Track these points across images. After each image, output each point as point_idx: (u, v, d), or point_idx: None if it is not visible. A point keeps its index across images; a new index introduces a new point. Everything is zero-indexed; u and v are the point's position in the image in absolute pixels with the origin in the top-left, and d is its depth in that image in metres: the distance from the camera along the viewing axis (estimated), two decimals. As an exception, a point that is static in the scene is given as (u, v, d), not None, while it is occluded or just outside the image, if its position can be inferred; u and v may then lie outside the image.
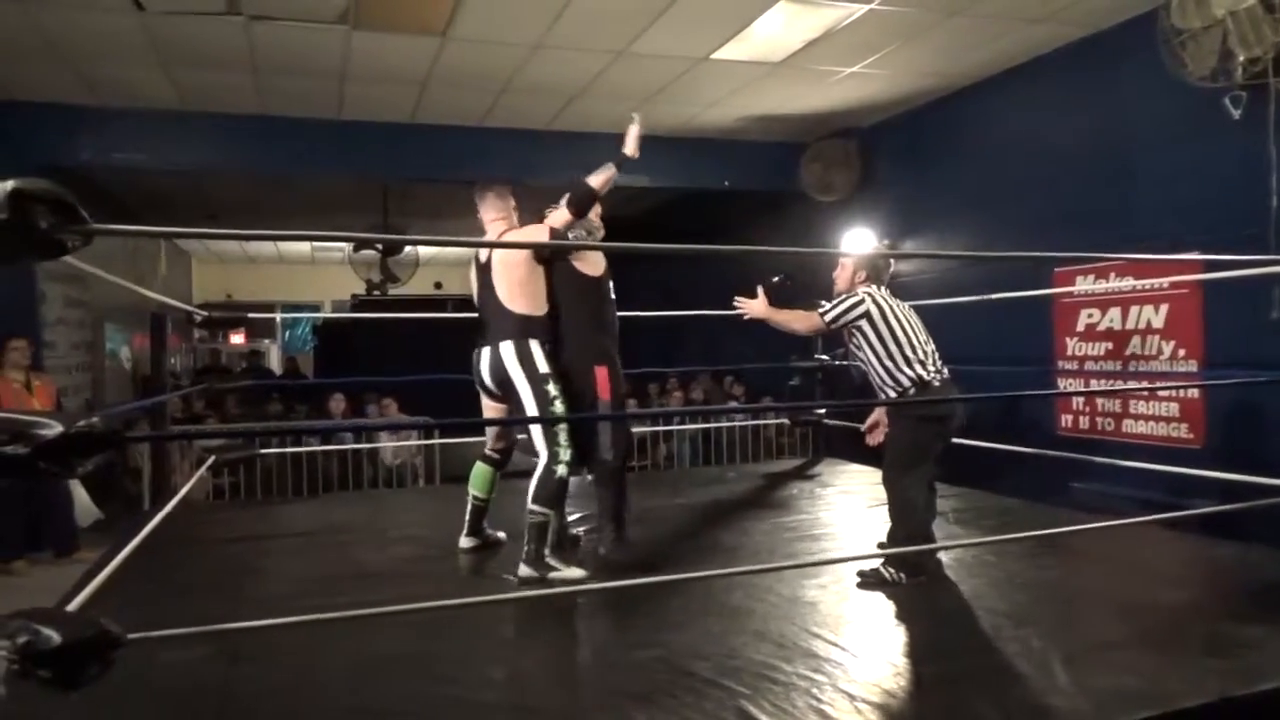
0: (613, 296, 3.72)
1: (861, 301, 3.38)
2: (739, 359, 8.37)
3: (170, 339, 11.96)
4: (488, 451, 3.87)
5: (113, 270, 4.07)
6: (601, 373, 3.52)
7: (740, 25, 5.35)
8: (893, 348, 3.37)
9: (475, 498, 3.83)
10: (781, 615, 2.88)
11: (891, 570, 3.20)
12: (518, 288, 3.51)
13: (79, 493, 6.22)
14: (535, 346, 3.46)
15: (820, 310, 3.47)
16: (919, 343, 3.41)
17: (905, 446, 3.37)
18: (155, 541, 3.52)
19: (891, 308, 3.43)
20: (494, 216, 3.73)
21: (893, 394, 3.40)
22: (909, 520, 3.30)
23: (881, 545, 3.49)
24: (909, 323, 3.44)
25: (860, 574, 3.26)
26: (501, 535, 3.88)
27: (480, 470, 3.83)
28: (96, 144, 6.72)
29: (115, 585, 2.77)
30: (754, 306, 3.68)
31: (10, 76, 5.98)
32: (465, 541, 3.85)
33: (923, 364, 3.37)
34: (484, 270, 3.64)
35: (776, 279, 6.11)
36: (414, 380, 7.30)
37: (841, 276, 3.59)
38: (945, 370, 3.43)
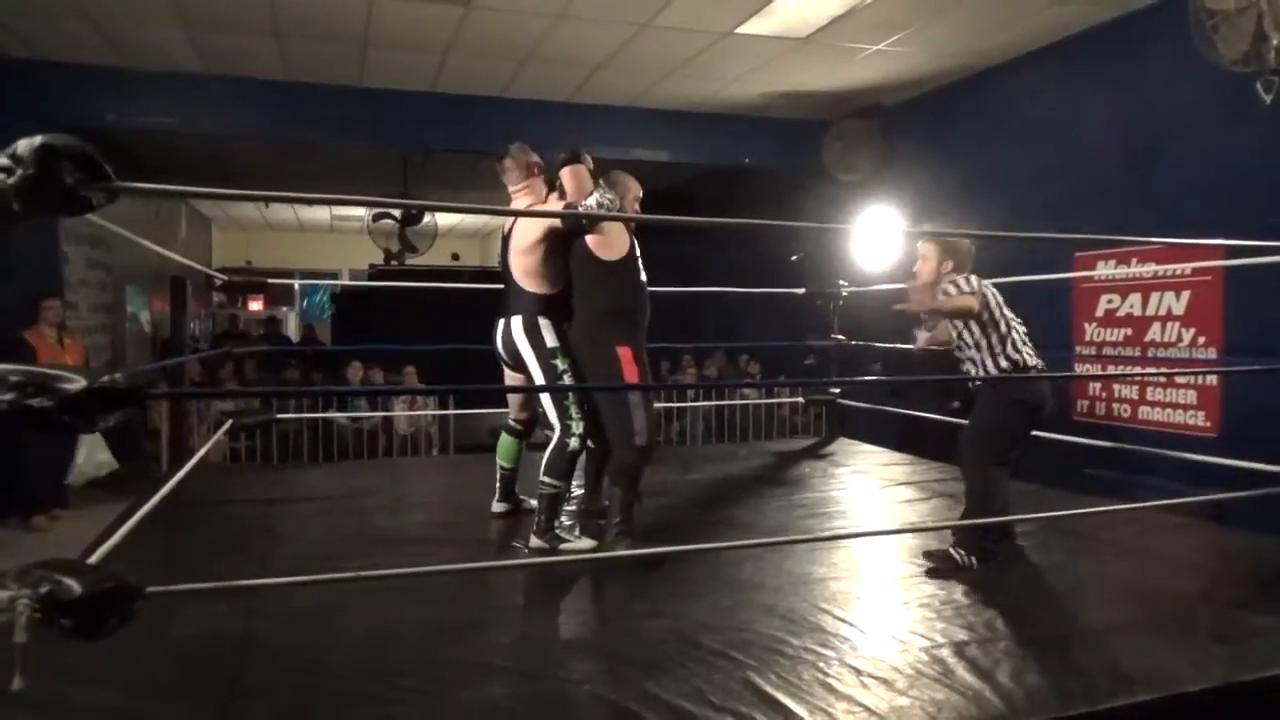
0: (642, 278, 3.50)
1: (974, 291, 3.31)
2: (755, 337, 8.36)
3: (190, 303, 12.08)
4: (511, 422, 3.91)
5: (134, 233, 4.10)
6: (625, 353, 3.34)
7: (765, 0, 5.30)
8: (1004, 331, 3.31)
9: (502, 467, 3.92)
10: (791, 591, 2.90)
11: (962, 553, 3.13)
12: (531, 265, 3.48)
13: (89, 449, 6.27)
14: (545, 323, 3.44)
15: (962, 292, 3.29)
16: (1021, 328, 3.37)
17: (993, 429, 3.27)
18: (173, 501, 3.56)
19: (995, 293, 3.38)
20: (517, 186, 3.65)
21: (983, 374, 3.31)
22: (991, 505, 3.16)
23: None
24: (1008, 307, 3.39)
25: (928, 555, 3.20)
26: (533, 503, 3.87)
27: (505, 441, 3.91)
28: (119, 105, 6.73)
29: (134, 542, 2.81)
30: (915, 304, 3.50)
31: (36, 35, 5.99)
32: (497, 506, 3.93)
33: (1029, 349, 3.33)
34: (505, 241, 3.62)
35: (795, 257, 6.13)
36: (430, 350, 7.33)
37: (925, 268, 3.47)
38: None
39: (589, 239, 3.40)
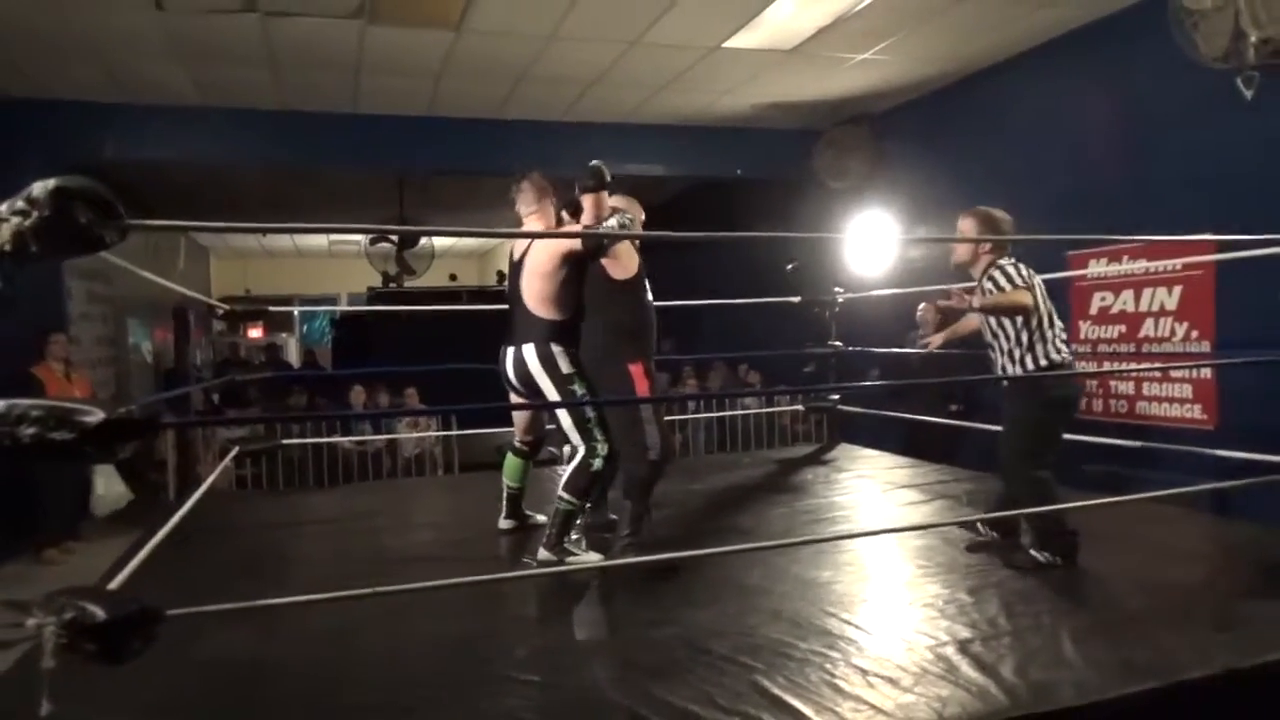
0: (649, 298, 3.59)
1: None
2: (754, 347, 8.40)
3: (192, 333, 12.12)
4: (517, 444, 3.94)
5: (133, 266, 4.16)
6: (637, 369, 3.42)
7: (752, 13, 5.38)
8: (1045, 325, 3.21)
9: (509, 486, 3.95)
10: (797, 595, 2.94)
11: (1047, 554, 3.12)
12: (546, 290, 3.44)
13: (107, 481, 6.35)
14: (558, 350, 3.43)
15: (1016, 286, 3.18)
16: (1059, 321, 3.27)
17: (1031, 429, 3.22)
18: (184, 529, 3.61)
19: (1040, 282, 3.25)
20: (530, 211, 3.63)
21: (1019, 371, 3.21)
22: (1048, 500, 3.12)
23: (979, 531, 3.43)
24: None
25: (1012, 561, 3.16)
26: (541, 518, 3.89)
27: (512, 461, 3.94)
28: (118, 139, 6.82)
29: (150, 569, 2.86)
30: (969, 301, 3.34)
31: (33, 73, 6.08)
32: (504, 523, 3.97)
33: (1064, 341, 3.25)
34: (515, 267, 3.59)
35: (790, 265, 6.18)
36: (431, 370, 7.38)
37: (962, 248, 3.35)
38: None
39: (602, 261, 3.47)
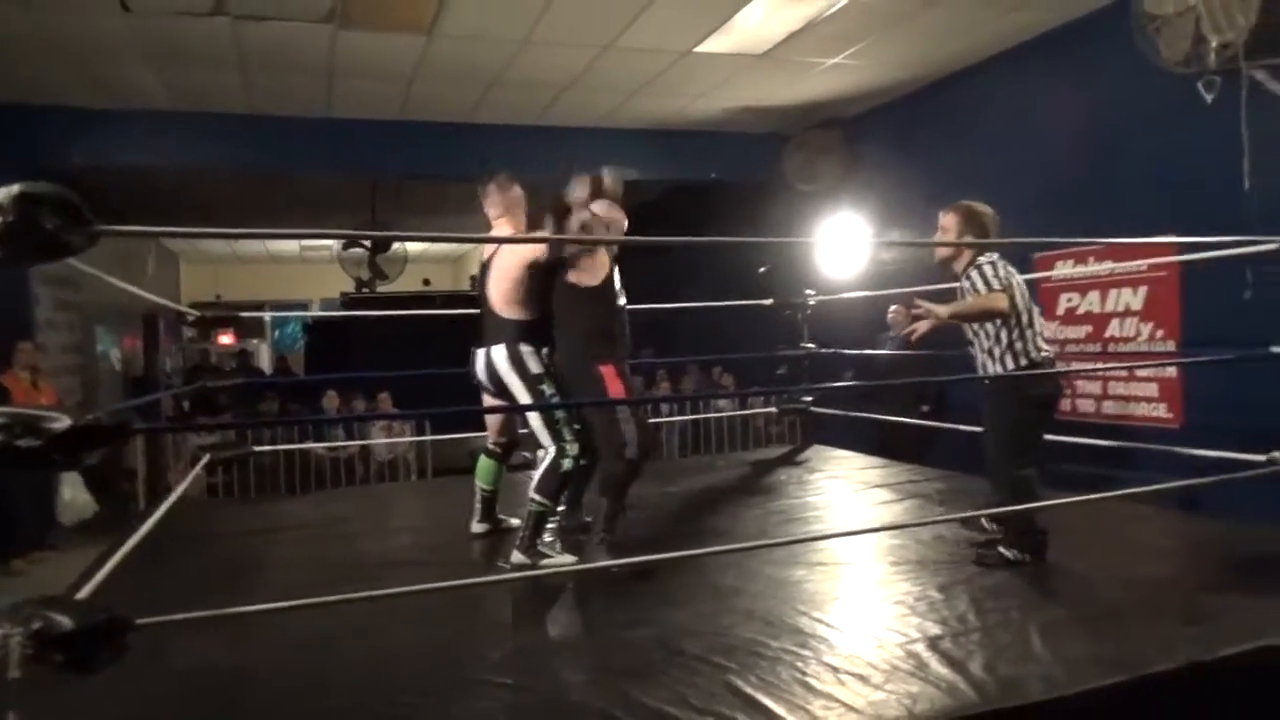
0: (621, 303, 3.59)
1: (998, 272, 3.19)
2: (727, 349, 8.44)
3: (162, 339, 11.98)
4: (490, 445, 3.94)
5: (100, 271, 4.10)
6: (608, 370, 3.43)
7: (723, 18, 5.41)
8: (1025, 325, 3.20)
9: (482, 489, 3.94)
10: (770, 595, 2.96)
11: (1015, 551, 3.15)
12: (510, 292, 3.49)
13: (73, 489, 6.28)
14: (527, 350, 3.47)
15: (992, 289, 3.15)
16: (1040, 319, 3.28)
17: (1013, 428, 3.22)
18: (157, 536, 3.58)
19: (1021, 282, 3.24)
20: (497, 214, 3.67)
21: (999, 370, 3.21)
22: (1030, 499, 3.12)
23: (983, 529, 3.44)
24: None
25: (980, 556, 3.20)
26: (515, 521, 3.87)
27: (485, 463, 3.92)
28: (86, 144, 6.74)
29: (121, 578, 2.83)
30: (939, 310, 3.28)
31: (1, 78, 6.01)
32: (477, 527, 3.94)
33: (1044, 339, 3.25)
34: (484, 269, 3.64)
35: (762, 269, 6.24)
36: (405, 375, 7.35)
37: (946, 248, 3.32)
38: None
39: (566, 269, 3.48)
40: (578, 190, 3.49)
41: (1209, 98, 4.47)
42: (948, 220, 3.36)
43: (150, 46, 5.53)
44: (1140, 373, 5.10)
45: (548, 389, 3.45)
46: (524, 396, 3.48)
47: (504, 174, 3.69)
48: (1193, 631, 2.48)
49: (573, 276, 3.49)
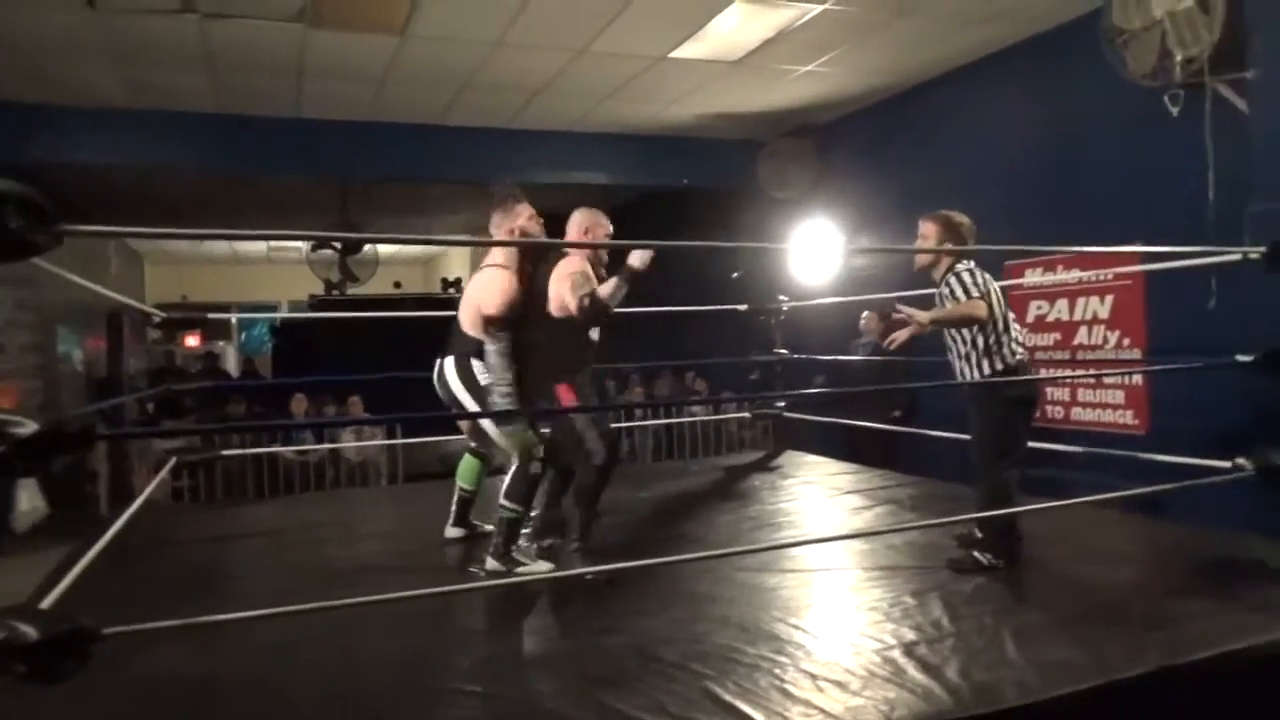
0: (590, 334, 3.57)
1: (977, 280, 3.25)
2: (700, 355, 8.45)
3: (127, 341, 11.77)
4: (472, 444, 3.91)
5: (61, 271, 4.01)
6: (563, 389, 3.46)
7: (697, 25, 5.42)
8: (1001, 330, 3.26)
9: (462, 489, 3.89)
10: (745, 601, 2.96)
11: (989, 556, 3.18)
12: (478, 323, 3.47)
13: (30, 493, 6.15)
14: (478, 365, 3.47)
15: (971, 296, 3.22)
16: (1015, 325, 3.33)
17: (996, 431, 3.26)
18: (120, 543, 3.51)
19: (997, 288, 3.30)
20: (500, 231, 3.61)
21: (977, 375, 3.27)
22: (1007, 503, 3.19)
23: (966, 534, 3.46)
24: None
25: (953, 562, 3.23)
26: (489, 528, 3.82)
27: (468, 462, 3.89)
28: (47, 142, 6.60)
29: (85, 586, 2.77)
30: (920, 316, 3.33)
31: (-43, 75, 5.88)
32: (451, 532, 3.89)
33: (1019, 343, 3.31)
34: (473, 279, 3.64)
35: (735, 274, 6.25)
36: (374, 378, 7.28)
37: (925, 255, 3.38)
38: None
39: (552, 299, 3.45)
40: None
41: (1174, 110, 4.55)
42: (927, 228, 3.42)
43: (115, 44, 5.43)
44: (1107, 380, 5.17)
45: (497, 400, 3.42)
46: (473, 407, 3.49)
47: (514, 198, 3.59)
48: (1162, 636, 2.52)
49: (551, 306, 3.48)
